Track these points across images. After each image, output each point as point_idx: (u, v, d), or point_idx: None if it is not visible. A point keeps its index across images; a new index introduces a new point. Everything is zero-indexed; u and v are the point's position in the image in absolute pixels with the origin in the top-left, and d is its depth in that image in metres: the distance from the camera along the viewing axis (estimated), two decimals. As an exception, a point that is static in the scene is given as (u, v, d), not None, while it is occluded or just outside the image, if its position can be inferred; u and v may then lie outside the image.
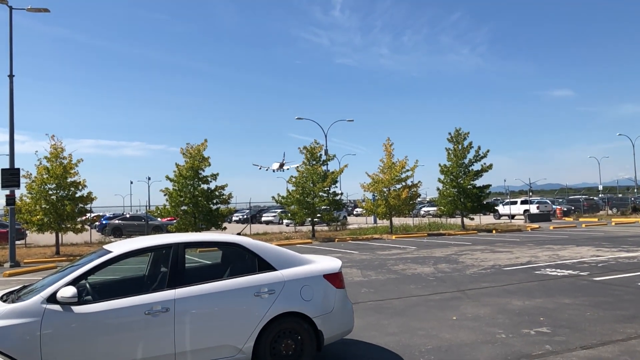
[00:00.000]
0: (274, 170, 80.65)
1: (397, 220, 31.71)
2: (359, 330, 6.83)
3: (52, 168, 20.91)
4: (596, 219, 37.21)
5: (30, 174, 20.98)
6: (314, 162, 27.58)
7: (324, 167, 28.15)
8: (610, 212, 45.61)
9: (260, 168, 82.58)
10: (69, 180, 21.29)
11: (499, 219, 41.59)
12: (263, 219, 46.80)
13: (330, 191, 27.59)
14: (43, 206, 20.72)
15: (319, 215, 27.57)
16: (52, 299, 4.51)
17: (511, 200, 44.44)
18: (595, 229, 27.88)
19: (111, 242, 5.92)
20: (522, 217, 39.34)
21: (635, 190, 65.46)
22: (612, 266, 12.65)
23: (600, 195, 61.30)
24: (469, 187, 29.33)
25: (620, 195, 57.12)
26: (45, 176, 20.87)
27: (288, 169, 71.84)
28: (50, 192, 20.99)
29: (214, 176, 23.93)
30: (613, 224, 32.59)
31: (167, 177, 23.76)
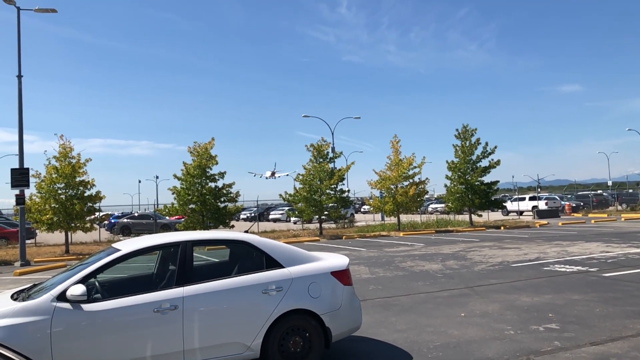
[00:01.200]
0: (266, 178, 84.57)
1: (404, 217, 31.66)
2: (367, 327, 6.84)
3: (61, 167, 21.06)
4: (605, 215, 36.98)
5: (40, 174, 21.15)
6: (321, 160, 27.55)
7: (331, 165, 28.12)
8: (619, 207, 45.30)
9: (254, 175, 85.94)
10: (77, 179, 21.44)
11: (507, 215, 41.42)
12: (271, 216, 46.89)
13: (338, 188, 27.56)
14: (52, 205, 20.88)
15: (326, 212, 27.58)
16: (62, 297, 4.55)
17: (519, 196, 44.24)
18: (604, 225, 27.70)
19: (120, 240, 5.97)
20: (531, 213, 39.13)
21: (645, 186, 64.93)
22: (622, 262, 12.57)
23: (608, 191, 60.86)
24: (476, 183, 29.20)
25: (630, 191, 56.71)
26: (54, 176, 21.03)
27: (279, 176, 76.43)
28: (59, 192, 21.14)
29: (222, 174, 24.00)
30: (622, 219, 32.37)
31: (175, 176, 23.86)
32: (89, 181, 21.79)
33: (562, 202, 43.02)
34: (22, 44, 18.89)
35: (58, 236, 23.55)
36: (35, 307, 4.49)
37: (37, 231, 25.67)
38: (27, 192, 19.60)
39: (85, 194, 21.76)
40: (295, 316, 5.25)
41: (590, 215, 38.26)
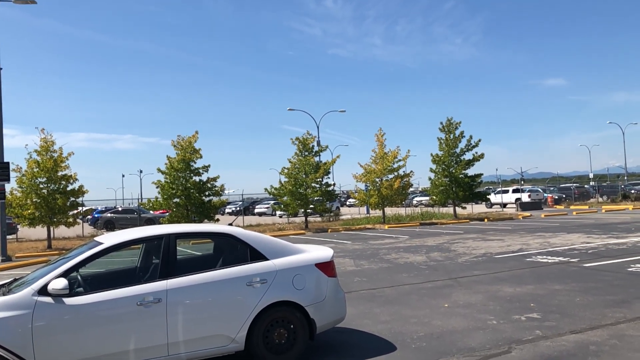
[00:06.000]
0: None
1: (389, 210, 31.81)
2: (351, 319, 6.88)
3: (42, 162, 20.73)
4: (587, 207, 37.51)
5: (21, 168, 20.80)
6: (307, 153, 27.53)
7: (317, 158, 28.12)
8: (600, 199, 45.98)
9: None
10: (59, 173, 21.13)
11: (490, 207, 41.78)
12: (256, 210, 46.78)
13: (323, 182, 27.58)
14: (34, 200, 20.56)
15: (311, 206, 27.58)
16: (43, 291, 4.50)
17: (503, 189, 44.68)
18: (585, 217, 28.11)
19: (103, 235, 5.93)
20: (514, 205, 39.55)
21: (625, 178, 65.94)
22: (602, 252, 12.77)
23: (590, 183, 61.73)
24: (460, 176, 29.43)
25: (610, 183, 57.52)
26: (35, 170, 20.70)
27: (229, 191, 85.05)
28: (41, 186, 20.83)
29: (206, 168, 23.85)
30: (603, 211, 32.87)
31: (159, 170, 23.64)
32: (71, 175, 21.49)
33: (545, 195, 43.55)
34: (1, 35, 18.53)
35: (40, 231, 23.24)
36: (16, 302, 4.43)
37: (18, 226, 25.31)
38: (8, 187, 19.31)
39: (68, 189, 21.45)
40: (280, 308, 5.26)
41: (572, 207, 38.78)
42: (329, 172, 28.14)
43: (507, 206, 40.74)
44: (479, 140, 29.76)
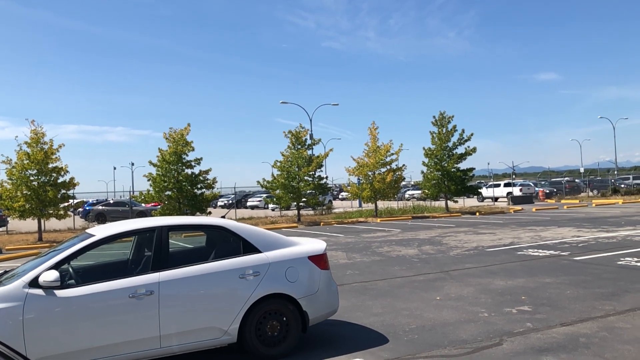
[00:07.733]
0: None
1: (382, 204, 31.88)
2: (344, 311, 6.89)
3: (32, 153, 20.56)
4: (577, 201, 37.76)
5: (10, 160, 20.62)
6: (299, 147, 27.52)
7: (309, 152, 28.10)
8: (591, 193, 46.28)
9: None
10: (50, 165, 20.98)
11: (482, 201, 42.01)
12: (248, 203, 46.70)
13: (316, 175, 27.60)
14: (24, 192, 20.40)
15: (304, 199, 27.59)
16: (34, 283, 4.47)
17: (495, 183, 44.89)
18: (576, 211, 28.31)
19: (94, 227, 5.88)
20: (506, 199, 39.76)
21: (616, 173, 66.46)
22: (592, 246, 12.87)
23: (580, 178, 62.13)
24: (452, 170, 29.53)
25: (600, 178, 57.95)
26: (25, 162, 20.52)
27: None
28: (31, 178, 20.67)
29: (198, 161, 23.76)
30: (594, 205, 33.11)
31: (151, 162, 23.51)
32: (62, 167, 21.34)
33: (536, 189, 43.78)
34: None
35: (31, 224, 23.10)
36: (6, 294, 4.40)
37: (8, 219, 25.14)
38: (-2, 179, 19.14)
39: (59, 181, 21.31)
40: (273, 300, 5.26)
41: (563, 201, 39.02)
42: (321, 166, 28.15)
43: (499, 200, 40.97)
44: (472, 134, 29.91)
